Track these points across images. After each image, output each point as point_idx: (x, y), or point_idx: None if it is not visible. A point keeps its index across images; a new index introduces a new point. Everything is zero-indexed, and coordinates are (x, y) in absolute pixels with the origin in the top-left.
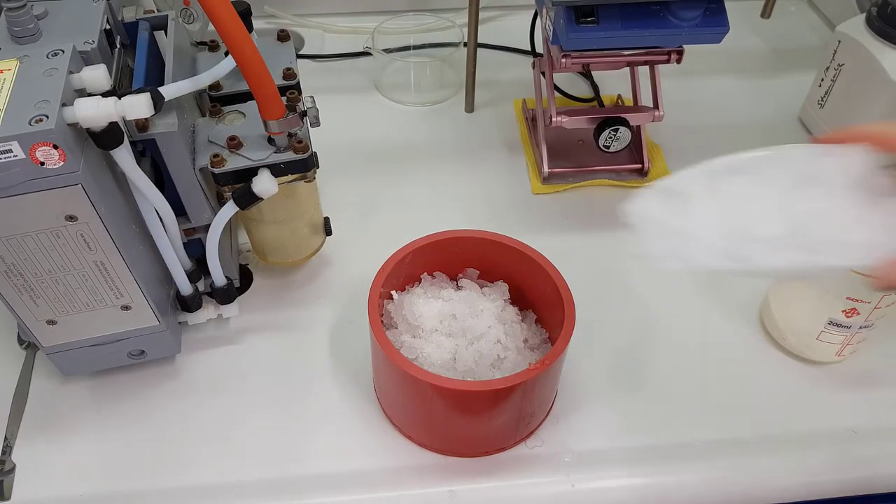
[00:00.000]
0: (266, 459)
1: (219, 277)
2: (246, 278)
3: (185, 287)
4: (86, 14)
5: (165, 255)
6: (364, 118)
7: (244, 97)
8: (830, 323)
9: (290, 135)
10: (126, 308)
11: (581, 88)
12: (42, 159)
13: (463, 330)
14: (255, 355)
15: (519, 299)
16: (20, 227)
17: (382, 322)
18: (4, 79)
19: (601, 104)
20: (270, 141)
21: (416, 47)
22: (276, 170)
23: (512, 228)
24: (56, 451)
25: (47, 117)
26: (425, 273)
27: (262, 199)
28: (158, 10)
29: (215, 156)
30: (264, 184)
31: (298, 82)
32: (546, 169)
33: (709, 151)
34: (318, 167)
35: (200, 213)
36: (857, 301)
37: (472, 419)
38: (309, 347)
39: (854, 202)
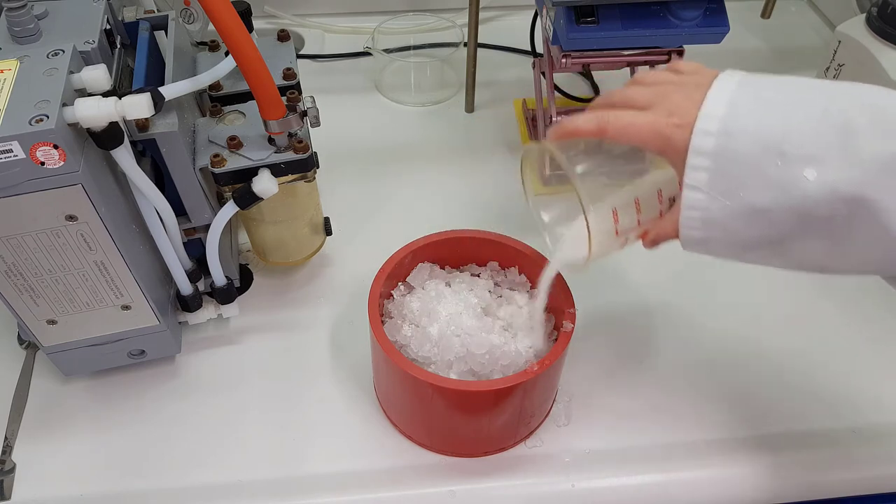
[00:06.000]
0: (266, 459)
1: (219, 277)
2: (246, 278)
3: (186, 287)
4: (86, 14)
5: (165, 255)
6: (364, 118)
7: (244, 97)
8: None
9: (290, 135)
10: (126, 308)
11: (581, 88)
12: (42, 159)
13: (464, 330)
14: (255, 355)
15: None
16: (20, 227)
17: (383, 322)
18: (5, 79)
19: None
20: (271, 141)
21: (416, 47)
22: (277, 170)
23: (512, 229)
24: (56, 451)
25: (47, 117)
26: (426, 270)
27: (262, 199)
28: (158, 10)
29: (215, 156)
30: (264, 184)
31: (298, 82)
32: (547, 170)
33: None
34: (318, 167)
35: (200, 213)
36: None
37: (472, 419)
38: (309, 347)
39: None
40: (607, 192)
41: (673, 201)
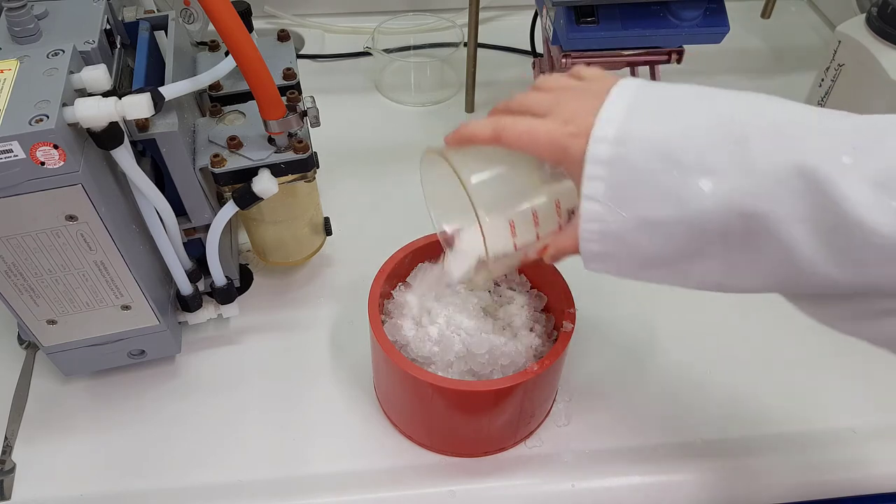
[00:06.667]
0: (266, 459)
1: (219, 277)
2: (246, 278)
3: (186, 287)
4: (86, 14)
5: (165, 255)
6: (364, 118)
7: (244, 97)
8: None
9: (290, 135)
10: (126, 308)
11: None
12: (42, 159)
13: (464, 329)
14: (255, 355)
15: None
16: (20, 227)
17: (383, 322)
18: (5, 79)
19: None
20: (271, 141)
21: (416, 47)
22: (277, 170)
23: None
24: (56, 451)
25: (47, 117)
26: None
27: (262, 199)
28: (158, 10)
29: (215, 156)
30: (264, 184)
31: (298, 82)
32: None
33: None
34: (318, 167)
35: (200, 213)
36: None
37: (472, 419)
38: (309, 347)
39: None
40: (504, 203)
41: (572, 214)
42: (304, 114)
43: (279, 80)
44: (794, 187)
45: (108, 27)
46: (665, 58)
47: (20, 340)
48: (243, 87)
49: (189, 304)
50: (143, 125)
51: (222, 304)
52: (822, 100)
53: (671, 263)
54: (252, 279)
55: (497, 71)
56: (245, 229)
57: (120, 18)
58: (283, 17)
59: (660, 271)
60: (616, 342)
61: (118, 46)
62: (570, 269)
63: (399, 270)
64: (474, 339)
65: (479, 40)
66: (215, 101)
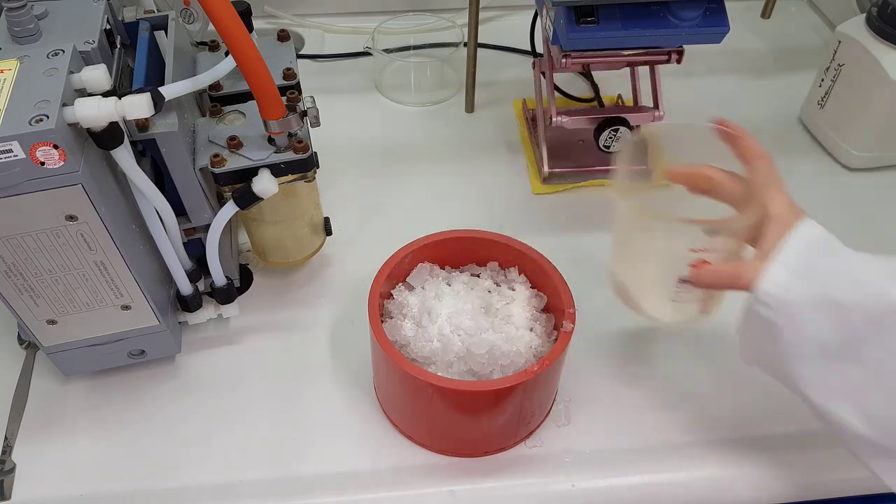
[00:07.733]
0: (266, 459)
1: (219, 277)
2: (246, 278)
3: (185, 287)
4: (86, 14)
5: (165, 255)
6: (364, 118)
7: (244, 97)
8: (682, 281)
9: (290, 135)
10: (126, 308)
11: (581, 88)
12: (42, 159)
13: (464, 329)
14: (255, 355)
15: None
16: (20, 227)
17: (382, 322)
18: (5, 79)
19: (601, 104)
20: (270, 141)
21: (416, 47)
22: (277, 170)
23: (512, 228)
24: (56, 451)
25: (47, 117)
26: (426, 270)
27: (262, 199)
28: (158, 10)
29: (215, 156)
30: (264, 184)
31: (298, 82)
32: (546, 169)
33: (709, 151)
34: (318, 167)
35: (200, 213)
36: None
37: (472, 419)
38: (309, 347)
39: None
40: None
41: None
42: (304, 114)
43: (279, 80)
44: None
45: (108, 27)
46: (665, 58)
47: (20, 340)
48: (243, 87)
49: (189, 304)
50: (143, 125)
51: (222, 304)
52: (823, 100)
53: (826, 358)
54: (252, 279)
55: (497, 71)
56: (245, 229)
57: (120, 18)
58: (283, 17)
59: (810, 368)
60: (616, 342)
61: (118, 46)
62: (569, 268)
63: (399, 270)
64: (474, 339)
65: (479, 40)
66: (215, 101)
